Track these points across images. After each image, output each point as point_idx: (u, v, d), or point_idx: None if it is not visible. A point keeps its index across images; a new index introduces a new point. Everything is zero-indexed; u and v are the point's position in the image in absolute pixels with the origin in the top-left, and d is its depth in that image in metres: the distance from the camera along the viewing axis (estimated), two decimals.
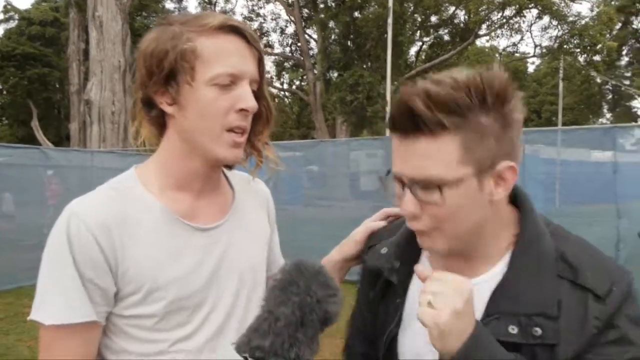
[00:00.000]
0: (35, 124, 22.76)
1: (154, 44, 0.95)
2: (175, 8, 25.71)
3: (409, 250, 0.99)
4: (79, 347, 0.92)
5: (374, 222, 1.18)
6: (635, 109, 39.40)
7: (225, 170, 1.14)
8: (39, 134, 21.69)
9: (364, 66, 15.57)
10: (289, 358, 0.75)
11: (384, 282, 1.01)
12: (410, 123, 0.79)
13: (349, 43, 16.72)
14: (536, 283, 0.83)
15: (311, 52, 21.07)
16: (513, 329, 0.81)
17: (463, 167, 0.79)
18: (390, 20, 8.79)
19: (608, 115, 40.64)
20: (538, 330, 0.80)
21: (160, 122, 1.01)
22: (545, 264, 0.84)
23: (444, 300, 0.77)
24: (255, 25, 23.99)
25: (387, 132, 9.81)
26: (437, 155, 0.79)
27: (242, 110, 0.95)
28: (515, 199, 0.92)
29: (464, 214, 0.82)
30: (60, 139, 27.70)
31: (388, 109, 9.19)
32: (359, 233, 1.18)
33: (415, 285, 0.97)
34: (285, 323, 0.76)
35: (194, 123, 0.95)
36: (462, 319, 0.77)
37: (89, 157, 8.67)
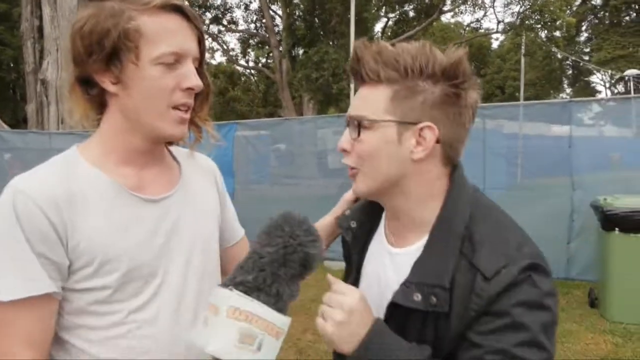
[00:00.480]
0: None
1: (93, 21, 0.93)
2: None
3: (368, 212, 1.10)
4: (36, 323, 0.92)
5: None
6: (593, 84, 40.48)
7: (174, 148, 1.17)
8: None
9: (330, 43, 15.44)
10: (270, 293, 0.81)
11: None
12: (358, 71, 0.93)
13: (314, 19, 16.52)
14: (441, 258, 0.91)
15: (276, 29, 20.74)
16: (417, 297, 0.89)
17: (386, 114, 0.91)
18: None
19: (568, 90, 41.67)
20: (433, 299, 0.88)
21: (101, 101, 1.01)
22: (452, 241, 0.91)
23: (328, 313, 0.88)
24: (219, 1, 23.44)
25: None
26: (370, 100, 0.93)
27: (188, 88, 0.98)
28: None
29: (381, 158, 0.93)
30: (17, 121, 26.63)
31: (352, 85, 9.20)
32: (349, 193, 1.23)
33: (374, 244, 1.08)
34: (268, 260, 0.82)
35: (139, 102, 0.97)
36: (346, 328, 0.86)
37: (47, 139, 8.42)
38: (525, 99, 33.61)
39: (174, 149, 1.18)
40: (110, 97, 1.00)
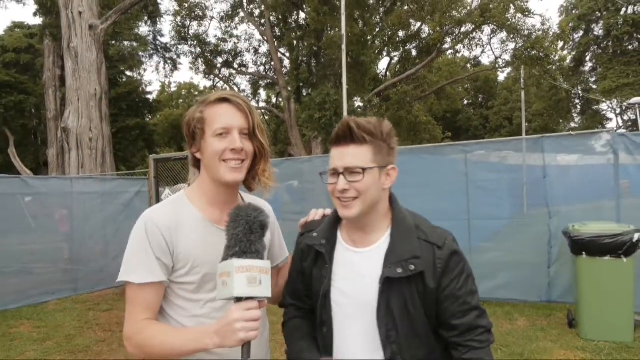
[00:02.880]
0: (12, 150, 22.83)
1: (187, 116, 1.57)
2: (149, 31, 26.08)
3: (330, 232, 1.58)
4: (152, 297, 1.47)
5: (306, 218, 1.75)
6: (603, 112, 40.54)
7: (243, 194, 1.71)
8: (17, 161, 21.76)
9: (330, 85, 16.15)
10: (253, 251, 1.28)
11: (315, 254, 1.58)
12: (348, 136, 1.43)
13: (318, 63, 17.28)
14: (407, 242, 1.45)
15: (284, 70, 21.60)
16: (399, 270, 1.41)
17: (373, 163, 1.43)
18: (344, 47, 9.37)
19: (577, 119, 41.74)
20: (412, 267, 1.41)
21: (198, 164, 1.61)
22: (410, 231, 1.47)
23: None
24: (230, 45, 24.51)
25: None
26: (361, 155, 1.42)
27: (232, 149, 1.49)
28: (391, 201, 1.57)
29: (371, 190, 1.43)
30: (38, 165, 27.68)
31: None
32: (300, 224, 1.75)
33: (338, 254, 1.54)
34: (242, 235, 1.29)
35: (207, 161, 1.53)
36: None
37: (68, 184, 8.95)
38: (533, 129, 33.90)
39: (246, 195, 1.71)
40: (200, 161, 1.57)
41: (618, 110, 38.46)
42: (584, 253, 5.04)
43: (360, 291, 1.45)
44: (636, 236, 4.86)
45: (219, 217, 1.54)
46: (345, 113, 9.86)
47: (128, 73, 29.83)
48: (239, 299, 1.27)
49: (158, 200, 7.47)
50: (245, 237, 1.29)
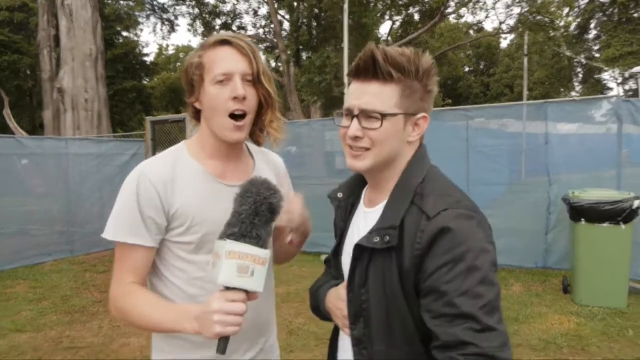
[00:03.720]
0: (7, 112, 22.49)
1: (186, 63, 1.39)
2: None
3: (353, 187, 1.36)
4: (138, 260, 1.35)
5: None
6: (605, 81, 40.01)
7: (251, 146, 1.56)
8: (12, 123, 21.47)
9: (331, 48, 15.79)
10: (252, 236, 1.11)
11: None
12: (370, 69, 1.10)
13: (319, 25, 16.88)
14: (396, 207, 1.13)
15: (284, 34, 21.12)
16: (376, 239, 1.10)
17: (397, 108, 1.11)
18: (346, 7, 9.10)
19: (578, 88, 41.21)
20: (387, 237, 1.09)
21: (198, 115, 1.44)
22: (406, 195, 1.13)
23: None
24: (228, 6, 23.94)
25: None
26: (383, 95, 1.10)
27: (234, 97, 1.32)
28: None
29: (390, 141, 1.13)
30: (34, 127, 27.39)
31: (346, 90, 9.51)
32: None
33: (356, 213, 1.32)
34: (245, 215, 1.12)
35: (207, 112, 1.36)
36: None
37: (63, 144, 8.83)
38: (534, 97, 33.62)
39: (252, 146, 1.55)
40: (200, 112, 1.41)
41: (620, 80, 37.99)
42: (582, 219, 5.02)
43: None
44: (636, 203, 4.83)
45: (220, 170, 1.41)
46: (345, 77, 9.72)
47: (124, 34, 29.23)
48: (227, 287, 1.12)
49: None
50: (247, 219, 1.11)
